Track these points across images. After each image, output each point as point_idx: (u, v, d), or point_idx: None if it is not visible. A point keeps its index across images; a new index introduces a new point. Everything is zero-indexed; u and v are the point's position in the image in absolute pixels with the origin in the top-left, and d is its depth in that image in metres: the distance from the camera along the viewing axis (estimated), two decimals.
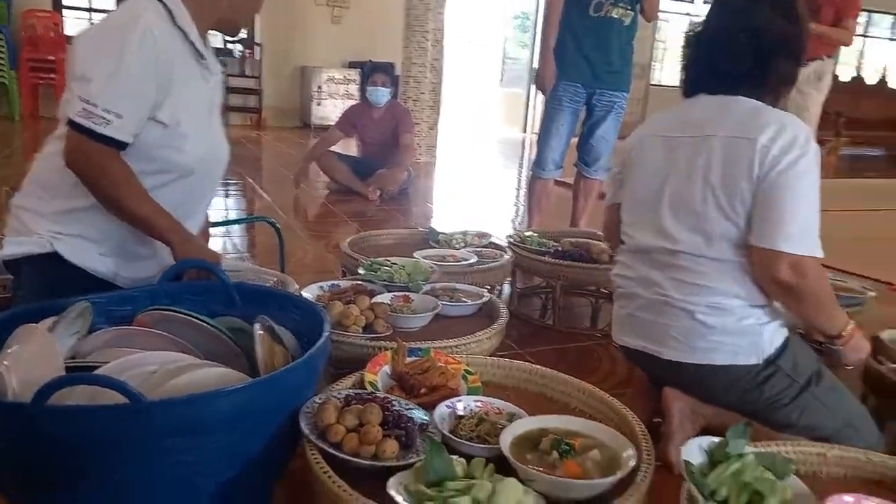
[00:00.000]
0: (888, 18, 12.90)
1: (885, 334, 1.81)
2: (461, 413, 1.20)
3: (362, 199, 4.43)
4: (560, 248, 2.41)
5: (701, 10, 12.02)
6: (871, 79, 11.61)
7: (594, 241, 2.46)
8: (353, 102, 6.09)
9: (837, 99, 9.87)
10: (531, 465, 1.01)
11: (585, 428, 1.12)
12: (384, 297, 1.76)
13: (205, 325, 1.24)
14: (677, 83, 1.58)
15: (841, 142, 9.16)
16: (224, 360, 1.15)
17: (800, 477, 1.08)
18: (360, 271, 1.97)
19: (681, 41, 1.53)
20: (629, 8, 2.86)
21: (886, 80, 11.90)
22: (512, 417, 1.18)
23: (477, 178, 6.20)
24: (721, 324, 1.39)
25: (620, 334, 1.58)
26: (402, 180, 4.55)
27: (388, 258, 2.06)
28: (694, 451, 1.03)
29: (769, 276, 1.34)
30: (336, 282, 1.88)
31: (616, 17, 2.84)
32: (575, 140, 3.17)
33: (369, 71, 4.79)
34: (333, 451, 1.01)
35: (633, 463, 1.01)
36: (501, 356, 1.51)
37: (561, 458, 1.02)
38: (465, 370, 1.35)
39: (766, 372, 1.40)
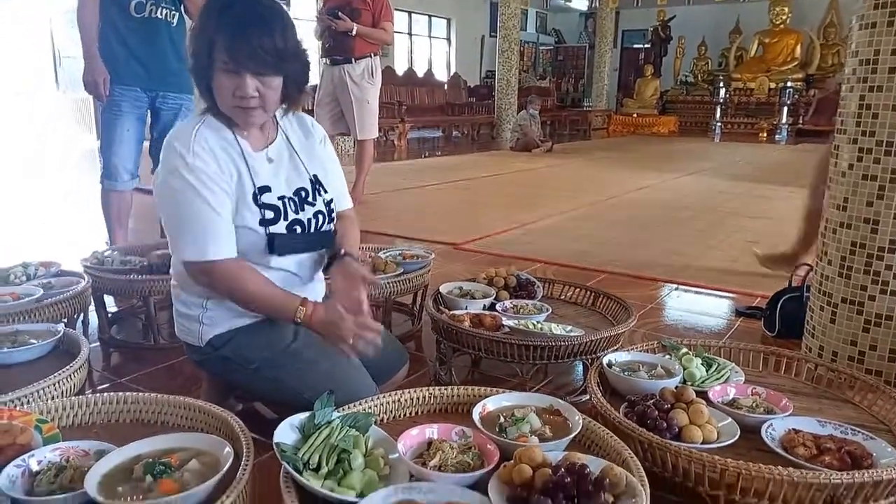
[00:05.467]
0: (424, 19, 15.35)
1: (443, 287, 2.18)
2: (37, 468, 1.06)
3: None
4: (147, 262, 2.27)
5: None
6: (420, 71, 13.61)
7: None
8: None
9: (398, 90, 11.40)
10: (125, 498, 0.96)
11: (181, 441, 1.10)
12: None
13: None
14: None
15: (406, 127, 10.51)
16: None
17: (381, 425, 1.25)
18: None
19: None
20: (173, 8, 2.77)
21: (432, 71, 14.09)
22: (101, 455, 1.10)
23: (45, 198, 5.38)
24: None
25: None
26: None
27: None
28: (285, 431, 1.10)
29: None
30: None
31: (161, 17, 2.72)
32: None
33: None
34: None
35: (230, 461, 1.04)
36: (102, 391, 1.39)
37: (155, 479, 0.99)
38: (37, 420, 1.19)
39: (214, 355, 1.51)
